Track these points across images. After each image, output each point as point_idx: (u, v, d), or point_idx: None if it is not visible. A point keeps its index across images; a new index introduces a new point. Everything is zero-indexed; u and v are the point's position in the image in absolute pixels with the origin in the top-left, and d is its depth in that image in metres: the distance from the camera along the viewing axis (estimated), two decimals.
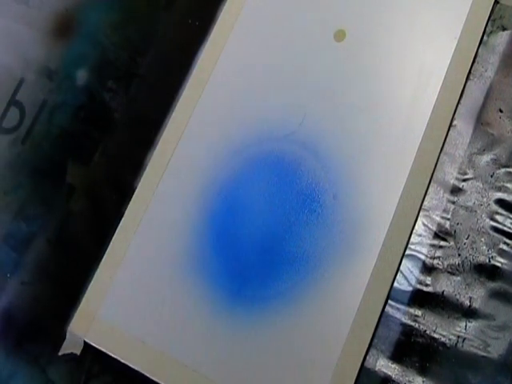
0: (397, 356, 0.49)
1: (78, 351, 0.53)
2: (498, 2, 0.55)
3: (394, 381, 0.49)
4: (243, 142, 0.56)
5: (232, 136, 0.56)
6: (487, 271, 0.50)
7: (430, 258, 0.51)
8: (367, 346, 0.48)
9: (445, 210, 0.52)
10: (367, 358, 0.49)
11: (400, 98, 0.54)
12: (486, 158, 0.53)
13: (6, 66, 0.63)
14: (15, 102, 0.62)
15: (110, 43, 0.62)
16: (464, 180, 0.52)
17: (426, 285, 0.50)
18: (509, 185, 0.52)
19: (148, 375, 0.51)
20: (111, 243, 0.55)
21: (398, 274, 0.50)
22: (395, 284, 0.50)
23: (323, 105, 0.55)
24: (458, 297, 0.50)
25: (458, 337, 0.49)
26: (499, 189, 0.52)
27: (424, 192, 0.51)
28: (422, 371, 0.49)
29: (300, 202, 0.53)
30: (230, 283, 0.52)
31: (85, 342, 0.53)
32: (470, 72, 0.54)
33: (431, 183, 0.52)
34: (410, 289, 0.50)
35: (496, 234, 0.51)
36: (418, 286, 0.50)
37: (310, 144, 0.54)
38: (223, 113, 0.57)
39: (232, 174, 0.55)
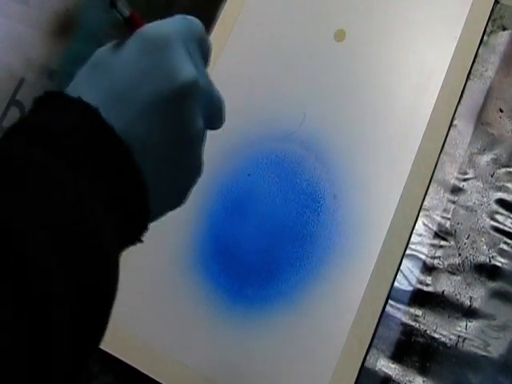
0: (397, 356, 0.49)
1: None
2: (498, 2, 0.55)
3: (394, 381, 0.49)
4: (244, 142, 0.56)
5: (232, 136, 0.56)
6: (487, 271, 0.50)
7: (431, 257, 0.51)
8: (367, 345, 0.48)
9: (445, 210, 0.52)
10: (367, 357, 0.49)
11: (400, 97, 0.54)
12: (486, 157, 0.53)
13: (6, 65, 0.63)
14: (15, 102, 0.62)
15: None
16: (464, 180, 0.52)
17: (427, 284, 0.50)
18: (509, 184, 0.52)
19: (148, 374, 0.51)
20: None
21: (399, 273, 0.50)
22: (396, 284, 0.50)
23: (323, 105, 0.55)
24: (458, 296, 0.50)
25: (459, 336, 0.49)
26: (499, 188, 0.52)
27: (424, 192, 0.51)
28: (423, 371, 0.49)
29: (300, 202, 0.53)
30: (231, 283, 0.52)
31: None
32: (470, 72, 0.54)
33: (431, 183, 0.52)
34: (411, 288, 0.50)
35: (496, 234, 0.51)
36: (419, 286, 0.50)
37: (311, 144, 0.54)
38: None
39: (232, 174, 0.55)
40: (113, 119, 0.27)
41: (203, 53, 0.33)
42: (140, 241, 0.30)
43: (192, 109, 0.30)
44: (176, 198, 0.33)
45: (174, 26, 0.32)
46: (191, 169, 0.33)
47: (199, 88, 0.30)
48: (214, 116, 0.34)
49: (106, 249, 0.25)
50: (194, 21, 0.34)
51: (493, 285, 0.50)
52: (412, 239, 0.51)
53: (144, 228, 0.30)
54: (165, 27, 0.31)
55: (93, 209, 0.25)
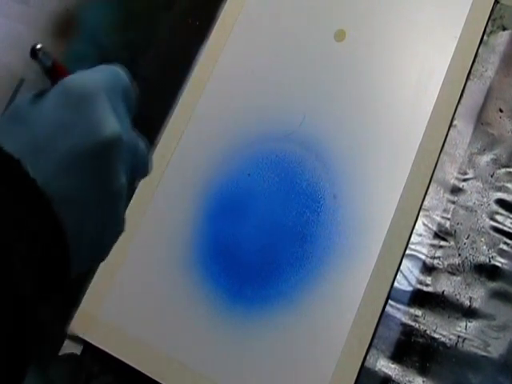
0: (397, 356, 0.49)
1: (78, 351, 0.53)
2: (498, 2, 0.55)
3: (393, 381, 0.49)
4: (243, 142, 0.56)
5: (232, 136, 0.56)
6: (487, 271, 0.50)
7: (431, 257, 0.51)
8: (367, 345, 0.48)
9: (445, 210, 0.52)
10: (367, 357, 0.49)
11: (400, 97, 0.54)
12: (486, 157, 0.53)
13: (6, 65, 0.63)
14: None
15: (110, 43, 0.62)
16: (464, 180, 0.52)
17: (426, 285, 0.50)
18: (509, 185, 0.52)
19: (148, 374, 0.51)
20: None
21: (398, 273, 0.50)
22: (395, 284, 0.50)
23: (323, 105, 0.55)
24: (458, 297, 0.50)
25: (459, 337, 0.49)
26: (499, 189, 0.52)
27: (424, 192, 0.51)
28: (422, 371, 0.49)
29: (300, 202, 0.53)
30: (231, 283, 0.52)
31: (85, 342, 0.53)
32: (470, 72, 0.54)
33: (431, 183, 0.52)
34: (410, 289, 0.50)
35: (496, 234, 0.51)
36: (418, 286, 0.50)
37: (311, 144, 0.54)
38: (223, 113, 0.57)
39: (232, 174, 0.55)
40: (33, 172, 0.27)
41: (128, 105, 0.32)
42: (62, 292, 0.30)
43: (114, 165, 0.29)
44: (98, 253, 0.32)
45: (97, 77, 0.30)
46: (113, 225, 0.32)
47: (122, 143, 0.30)
48: (140, 168, 0.33)
49: (23, 300, 0.25)
50: (119, 72, 0.33)
51: (493, 285, 0.50)
52: (412, 239, 0.51)
53: (66, 280, 0.29)
54: (88, 79, 0.30)
55: (11, 262, 0.25)
